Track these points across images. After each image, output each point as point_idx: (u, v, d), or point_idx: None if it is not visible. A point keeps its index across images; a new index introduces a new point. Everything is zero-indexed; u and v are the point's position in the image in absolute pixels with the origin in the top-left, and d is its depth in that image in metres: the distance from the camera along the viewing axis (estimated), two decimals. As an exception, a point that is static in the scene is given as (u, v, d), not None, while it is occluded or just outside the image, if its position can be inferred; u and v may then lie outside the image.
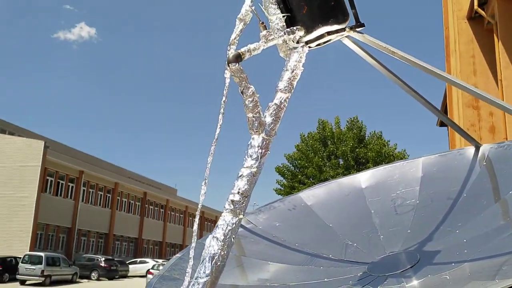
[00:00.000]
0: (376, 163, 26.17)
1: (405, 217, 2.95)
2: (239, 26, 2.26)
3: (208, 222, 58.86)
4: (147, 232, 45.40)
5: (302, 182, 26.73)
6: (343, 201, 3.36)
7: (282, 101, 2.23)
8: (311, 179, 26.86)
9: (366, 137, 27.38)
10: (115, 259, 33.19)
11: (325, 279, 2.68)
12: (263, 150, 2.11)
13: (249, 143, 2.16)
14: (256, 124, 2.13)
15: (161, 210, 49.15)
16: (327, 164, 26.77)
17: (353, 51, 2.62)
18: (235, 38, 2.24)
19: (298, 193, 3.67)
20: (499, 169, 2.86)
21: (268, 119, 2.17)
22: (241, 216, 2.03)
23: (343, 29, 2.35)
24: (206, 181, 2.13)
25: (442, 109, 19.45)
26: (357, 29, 2.38)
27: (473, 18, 14.63)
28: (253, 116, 2.13)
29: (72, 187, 35.38)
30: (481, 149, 3.12)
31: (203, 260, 1.93)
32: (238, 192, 2.04)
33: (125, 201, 42.73)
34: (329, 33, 2.33)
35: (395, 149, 27.48)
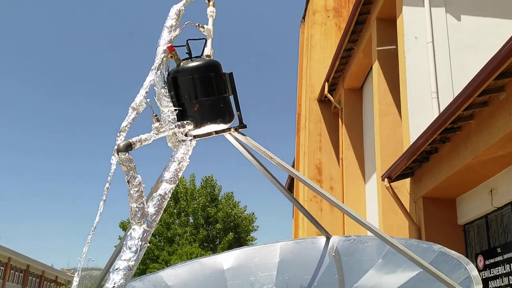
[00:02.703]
0: (225, 224, 26.79)
1: (263, 301, 3.18)
2: (131, 115, 2.34)
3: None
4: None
5: (147, 238, 25.92)
6: (204, 282, 3.47)
7: (167, 191, 2.33)
8: (156, 236, 26.27)
9: (219, 197, 28.00)
10: None
11: None
12: (143, 243, 2.15)
13: (128, 233, 2.18)
14: (139, 215, 2.18)
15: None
16: (176, 221, 26.56)
17: (233, 145, 2.89)
18: (126, 126, 2.31)
19: (159, 272, 3.67)
20: (345, 261, 3.29)
21: (151, 210, 2.24)
22: (114, 310, 2.01)
23: (229, 129, 2.61)
24: (80, 273, 2.10)
25: (289, 179, 21.05)
26: (240, 130, 2.66)
27: (323, 101, 16.58)
28: (136, 207, 2.18)
29: None
30: (331, 240, 3.56)
31: None
32: (114, 286, 2.03)
33: None
34: (216, 132, 2.56)
35: (245, 211, 28.53)
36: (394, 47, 10.72)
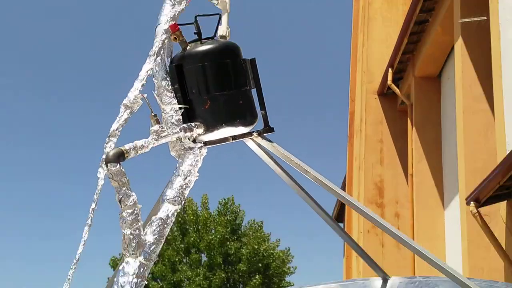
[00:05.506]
0: (251, 264, 26.90)
1: None
2: (123, 115, 2.45)
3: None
4: None
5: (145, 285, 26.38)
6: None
7: (170, 214, 2.45)
8: (159, 280, 26.59)
9: (242, 227, 28.14)
10: None
11: None
12: (139, 280, 2.28)
13: (120, 268, 2.32)
14: (134, 244, 2.31)
15: None
16: (184, 260, 26.84)
17: (256, 154, 2.98)
18: (117, 129, 2.42)
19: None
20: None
21: (150, 238, 2.37)
22: None
23: (251, 133, 2.70)
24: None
25: (338, 202, 20.97)
26: (266, 134, 2.75)
27: (385, 94, 16.51)
28: (130, 234, 2.31)
29: None
30: (389, 282, 3.62)
31: None
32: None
33: None
34: (234, 137, 2.66)
35: (277, 245, 28.55)
36: (485, 18, 10.67)
